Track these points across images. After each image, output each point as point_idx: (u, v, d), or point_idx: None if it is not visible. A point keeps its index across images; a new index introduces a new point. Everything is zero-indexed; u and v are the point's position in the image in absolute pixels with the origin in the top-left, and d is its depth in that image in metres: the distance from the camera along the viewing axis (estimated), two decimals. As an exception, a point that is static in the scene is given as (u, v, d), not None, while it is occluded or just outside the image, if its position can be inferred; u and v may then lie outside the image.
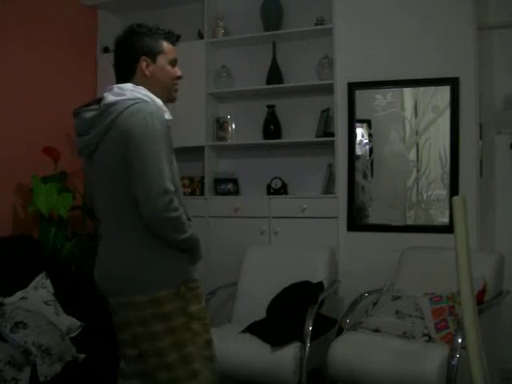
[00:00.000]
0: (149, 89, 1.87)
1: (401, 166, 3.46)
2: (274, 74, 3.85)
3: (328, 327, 3.13)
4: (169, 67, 1.93)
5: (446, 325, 2.75)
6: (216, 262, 3.73)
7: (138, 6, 4.26)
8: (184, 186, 3.80)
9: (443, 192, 3.36)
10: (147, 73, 1.89)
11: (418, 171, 3.42)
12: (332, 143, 3.60)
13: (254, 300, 3.35)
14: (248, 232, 3.73)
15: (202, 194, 3.96)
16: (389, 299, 3.00)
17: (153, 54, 1.89)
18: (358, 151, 3.55)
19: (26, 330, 2.49)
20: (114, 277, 1.84)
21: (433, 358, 2.53)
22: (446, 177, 3.33)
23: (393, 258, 3.28)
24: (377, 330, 2.87)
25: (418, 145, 3.43)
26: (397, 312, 2.90)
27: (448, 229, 3.16)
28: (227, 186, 3.94)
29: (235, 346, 2.93)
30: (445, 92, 3.34)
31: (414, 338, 2.78)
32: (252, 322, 3.16)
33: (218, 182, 3.97)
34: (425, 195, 3.41)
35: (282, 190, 3.80)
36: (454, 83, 3.30)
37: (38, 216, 3.49)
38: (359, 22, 3.53)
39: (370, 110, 3.53)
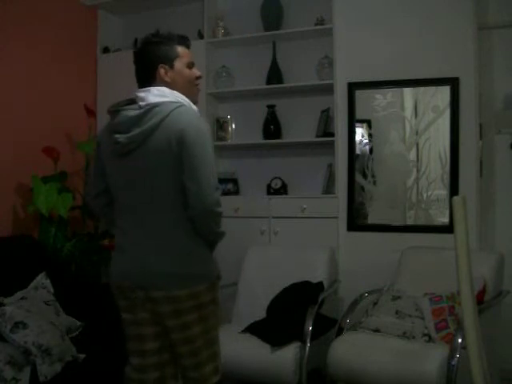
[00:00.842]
0: None
1: (401, 165, 3.46)
2: (274, 74, 3.84)
3: (328, 327, 3.13)
4: (186, 70, 2.02)
5: (445, 325, 2.75)
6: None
7: (138, 6, 4.26)
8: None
9: (443, 192, 3.36)
10: (167, 79, 1.96)
11: (418, 171, 3.42)
12: (332, 143, 3.60)
13: (254, 300, 3.35)
14: (248, 232, 3.72)
15: (202, 194, 3.95)
16: (389, 299, 3.00)
17: (170, 61, 1.96)
18: (358, 151, 3.55)
19: (26, 330, 2.49)
20: (149, 271, 1.88)
21: (433, 358, 2.53)
22: (446, 177, 3.33)
23: (393, 258, 3.28)
24: (377, 330, 2.87)
25: (418, 145, 3.43)
26: (397, 312, 2.90)
27: (448, 229, 3.16)
28: (227, 185, 3.94)
29: (235, 346, 2.93)
30: (445, 92, 3.34)
31: (413, 338, 2.78)
32: (252, 321, 3.16)
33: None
34: (425, 195, 3.40)
35: (282, 189, 3.80)
36: (453, 83, 3.30)
37: (37, 216, 3.49)
38: (359, 22, 3.53)
39: (370, 110, 3.53)
